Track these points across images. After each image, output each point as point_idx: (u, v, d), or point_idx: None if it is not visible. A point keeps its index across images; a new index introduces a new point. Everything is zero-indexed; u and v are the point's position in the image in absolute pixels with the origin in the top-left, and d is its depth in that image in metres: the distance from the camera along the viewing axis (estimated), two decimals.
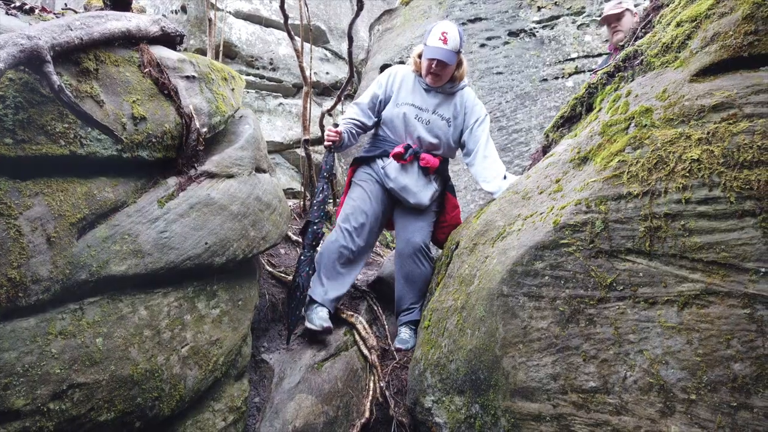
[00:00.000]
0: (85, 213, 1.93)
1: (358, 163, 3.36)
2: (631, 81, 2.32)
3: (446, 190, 3.38)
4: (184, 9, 7.10)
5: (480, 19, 6.66)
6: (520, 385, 1.90)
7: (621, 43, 4.02)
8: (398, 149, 3.14)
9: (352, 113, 3.27)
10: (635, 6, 4.40)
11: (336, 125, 3.21)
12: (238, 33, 7.52)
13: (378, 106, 3.28)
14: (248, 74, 7.49)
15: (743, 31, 1.85)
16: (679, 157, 1.79)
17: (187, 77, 2.46)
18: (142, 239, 2.05)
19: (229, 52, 7.30)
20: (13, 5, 2.07)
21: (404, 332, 3.16)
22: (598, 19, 6.24)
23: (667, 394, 1.62)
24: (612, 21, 4.09)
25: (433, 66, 3.04)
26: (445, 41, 3.00)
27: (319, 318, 2.92)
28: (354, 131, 3.23)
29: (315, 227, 3.03)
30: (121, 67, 2.18)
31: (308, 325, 2.91)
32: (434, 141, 3.21)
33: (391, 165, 3.18)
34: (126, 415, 1.88)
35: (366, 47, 8.30)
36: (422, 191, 3.19)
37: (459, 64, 3.15)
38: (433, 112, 3.20)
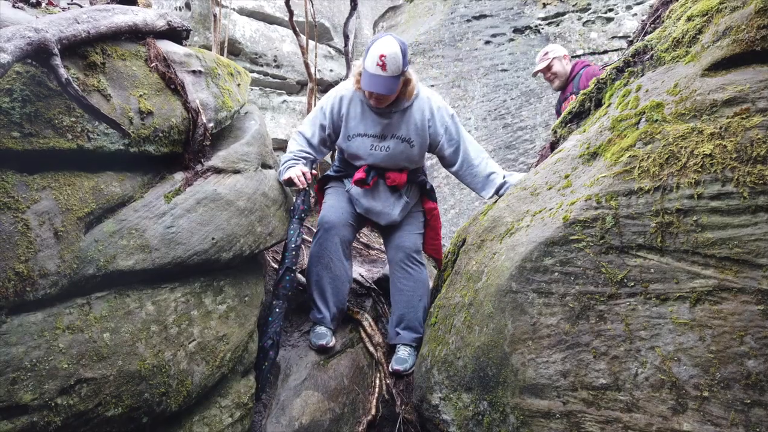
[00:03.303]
0: (92, 207, 1.92)
1: (326, 179, 3.17)
2: (641, 76, 2.30)
3: (423, 194, 3.14)
4: (188, 5, 7.09)
5: (485, 16, 6.64)
6: (530, 382, 1.88)
7: (559, 88, 4.62)
8: (359, 174, 2.87)
9: (302, 146, 2.94)
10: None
11: (302, 156, 2.87)
12: (242, 30, 7.51)
13: (328, 139, 2.95)
14: (252, 71, 7.48)
15: (756, 25, 1.83)
16: (691, 152, 1.77)
17: (194, 72, 2.45)
18: (149, 234, 2.04)
19: (233, 49, 7.29)
20: None
21: (402, 351, 2.95)
22: (604, 16, 6.23)
23: (680, 391, 1.61)
24: (544, 73, 4.61)
25: (373, 96, 2.71)
26: (383, 67, 2.56)
27: (316, 337, 2.88)
28: (311, 164, 2.95)
29: (293, 275, 2.76)
30: (128, 61, 2.17)
31: (309, 344, 2.91)
32: (397, 166, 2.94)
33: (355, 188, 2.98)
34: (133, 410, 1.87)
35: None
36: (392, 209, 2.97)
37: (406, 82, 2.74)
38: (391, 137, 2.85)
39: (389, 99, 2.74)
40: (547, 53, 4.56)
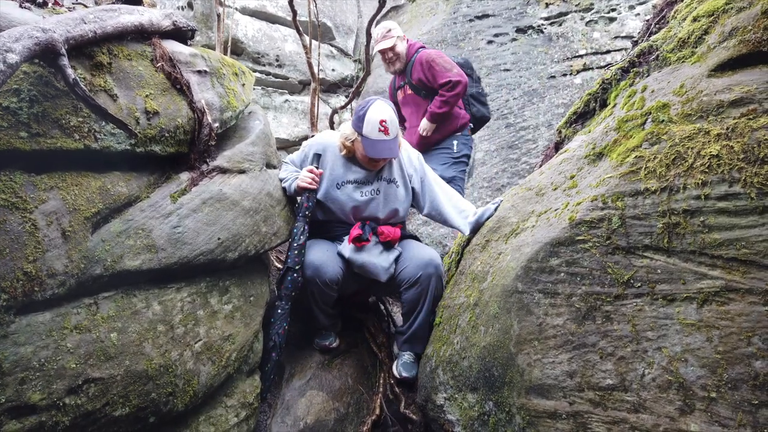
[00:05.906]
0: (99, 207, 1.92)
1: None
2: (647, 76, 2.30)
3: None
4: (190, 5, 7.09)
5: (487, 16, 6.64)
6: (536, 383, 1.88)
7: (398, 71, 4.26)
8: (356, 231, 2.76)
9: (295, 168, 2.94)
10: None
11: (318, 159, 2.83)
12: (244, 29, 7.50)
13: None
14: (254, 71, 7.48)
15: (762, 26, 1.83)
16: (698, 153, 1.77)
17: (199, 72, 2.45)
18: (155, 234, 2.04)
19: (235, 49, 7.28)
20: None
21: (407, 356, 2.89)
22: (607, 16, 6.23)
23: (687, 391, 1.61)
24: (385, 53, 4.24)
25: (374, 160, 2.75)
26: (386, 131, 2.64)
27: (320, 338, 2.96)
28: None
29: (295, 275, 2.65)
30: (134, 61, 2.17)
31: (314, 345, 2.97)
32: (389, 211, 2.91)
33: (345, 247, 2.82)
34: (141, 410, 1.87)
35: (372, 44, 8.27)
36: (388, 264, 2.81)
37: None
38: (377, 180, 2.88)
39: (389, 159, 2.82)
40: (389, 30, 4.16)
